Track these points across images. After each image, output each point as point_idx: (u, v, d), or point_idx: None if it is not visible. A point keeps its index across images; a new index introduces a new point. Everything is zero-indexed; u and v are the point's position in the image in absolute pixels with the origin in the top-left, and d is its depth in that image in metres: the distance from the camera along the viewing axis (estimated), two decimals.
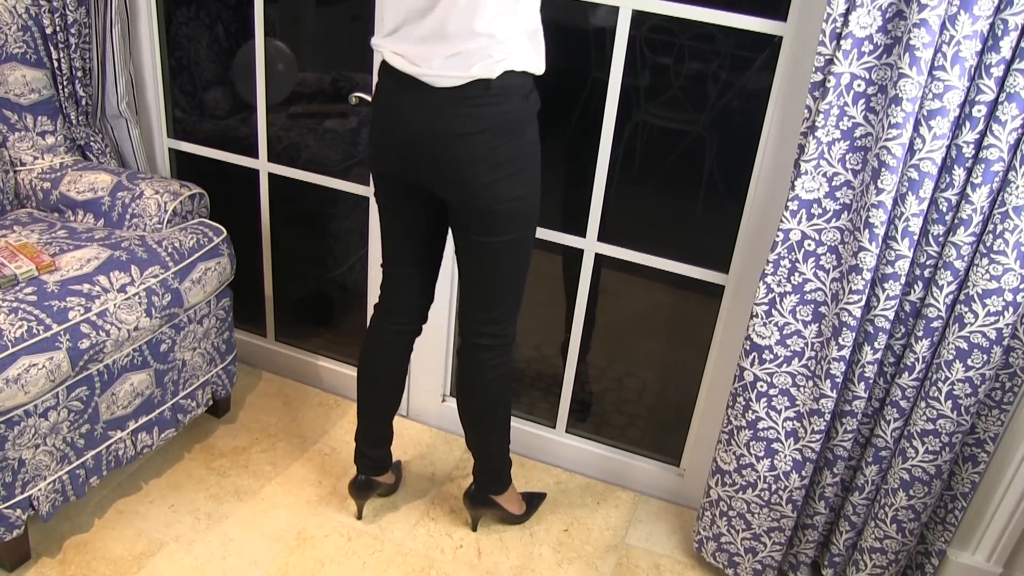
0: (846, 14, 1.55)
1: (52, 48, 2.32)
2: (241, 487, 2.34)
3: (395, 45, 1.69)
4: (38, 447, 1.92)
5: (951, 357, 1.73)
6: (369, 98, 2.19)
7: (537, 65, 1.70)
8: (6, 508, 1.90)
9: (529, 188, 1.78)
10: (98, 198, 2.30)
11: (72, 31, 2.29)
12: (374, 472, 2.22)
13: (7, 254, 2.01)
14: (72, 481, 2.03)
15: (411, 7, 1.64)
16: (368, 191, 2.38)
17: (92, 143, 2.46)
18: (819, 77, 1.63)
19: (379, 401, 2.14)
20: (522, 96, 1.69)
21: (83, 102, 2.41)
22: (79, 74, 2.35)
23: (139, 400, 2.15)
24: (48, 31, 2.30)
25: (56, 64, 2.34)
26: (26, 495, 1.93)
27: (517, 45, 1.64)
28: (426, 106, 1.69)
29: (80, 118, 2.43)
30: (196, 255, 2.20)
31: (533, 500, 2.37)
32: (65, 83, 2.36)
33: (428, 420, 2.66)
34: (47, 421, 1.91)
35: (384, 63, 1.74)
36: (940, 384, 1.76)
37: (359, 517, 2.28)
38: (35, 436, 1.90)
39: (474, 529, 2.28)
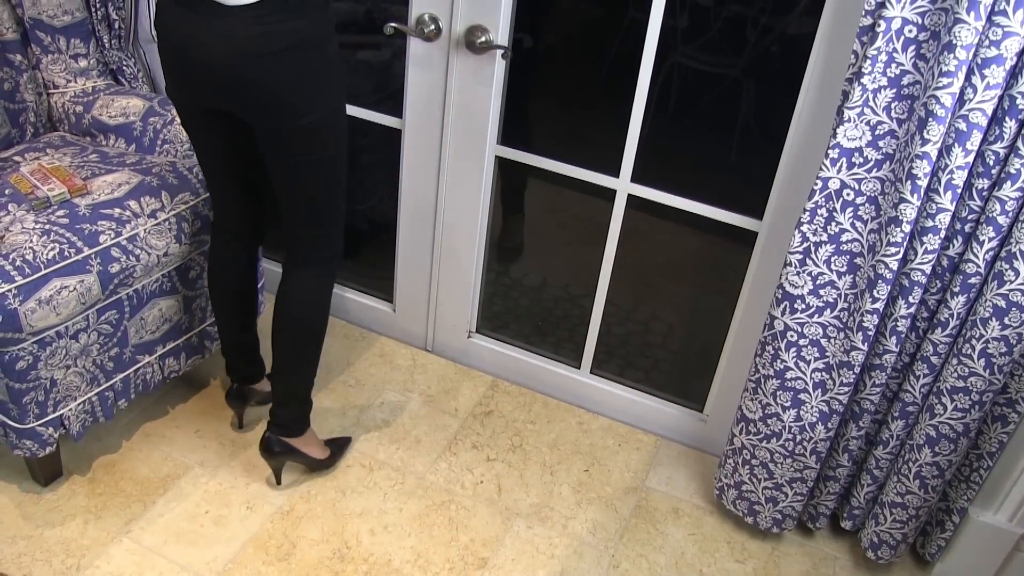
0: None
1: None
2: (265, 415, 2.36)
3: None
4: (69, 368, 1.94)
5: (987, 315, 1.69)
6: (405, 28, 2.15)
7: None
8: (39, 426, 1.93)
9: (334, 104, 1.73)
10: (130, 123, 2.29)
11: None
12: (245, 380, 2.25)
13: (40, 176, 2.02)
14: (101, 403, 2.06)
15: None
16: (400, 123, 2.36)
17: (124, 67, 2.44)
18: (868, 21, 1.57)
19: (225, 314, 2.14)
20: (321, 6, 1.63)
21: (116, 25, 2.38)
22: None
23: (167, 325, 2.16)
24: None
25: None
26: (58, 414, 1.96)
27: None
28: (222, 28, 1.59)
29: (113, 41, 2.41)
30: None
31: (337, 445, 2.27)
32: (98, 5, 2.33)
33: (452, 355, 2.66)
34: (78, 343, 1.93)
35: None
36: (974, 341, 1.73)
37: (240, 427, 2.32)
38: (66, 357, 1.92)
39: (278, 482, 2.16)
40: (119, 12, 2.37)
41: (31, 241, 1.83)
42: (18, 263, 1.78)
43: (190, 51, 1.65)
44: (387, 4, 2.44)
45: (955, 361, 1.77)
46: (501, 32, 2.11)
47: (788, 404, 1.95)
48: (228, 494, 2.13)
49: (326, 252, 1.93)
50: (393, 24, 2.15)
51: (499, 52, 2.12)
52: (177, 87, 1.77)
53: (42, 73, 2.33)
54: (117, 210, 1.98)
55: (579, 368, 2.54)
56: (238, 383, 2.25)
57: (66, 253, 1.85)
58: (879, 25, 1.54)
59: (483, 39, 2.11)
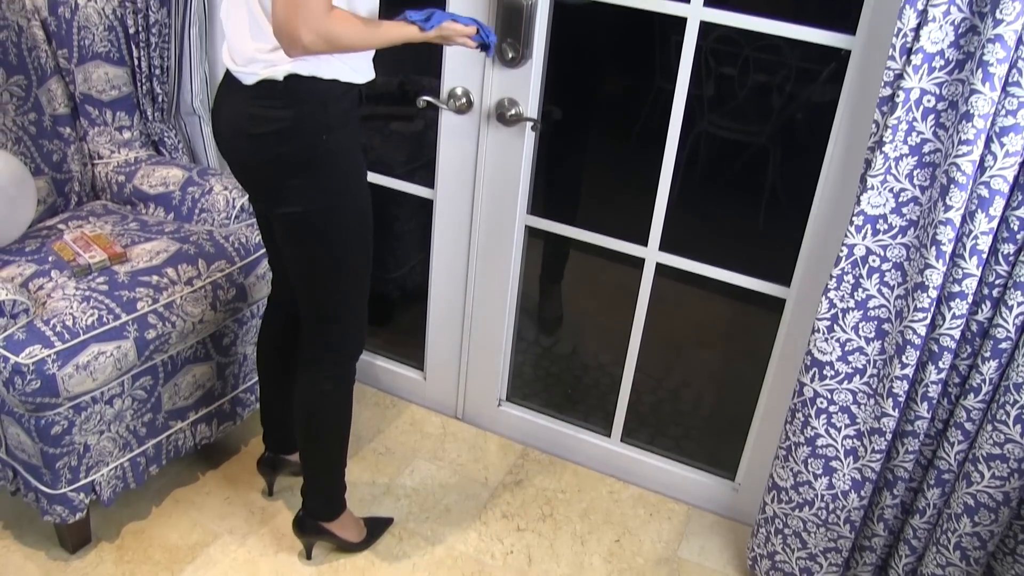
0: (917, 29, 1.52)
1: (134, 47, 2.39)
2: (295, 483, 2.36)
3: (226, 33, 1.68)
4: (102, 433, 1.97)
5: (1021, 380, 1.67)
6: (437, 101, 2.21)
7: (344, 73, 1.63)
8: (71, 491, 1.96)
9: (332, 201, 1.71)
10: (169, 192, 2.36)
11: (153, 31, 2.36)
12: (279, 450, 2.25)
13: (82, 244, 2.08)
14: (133, 468, 2.09)
15: None
16: (432, 194, 2.41)
17: (166, 138, 2.53)
18: (888, 92, 1.59)
19: (268, 384, 2.16)
20: (319, 102, 1.62)
21: (159, 99, 2.47)
22: (157, 72, 2.42)
23: (200, 392, 2.20)
24: (131, 31, 2.37)
25: (136, 62, 2.41)
26: (89, 479, 1.99)
27: None
28: (230, 102, 1.68)
29: (156, 114, 2.50)
30: (261, 251, 2.24)
31: (376, 525, 2.24)
32: (144, 80, 2.43)
33: (483, 424, 2.67)
34: (112, 408, 1.97)
35: None
36: (1008, 408, 1.71)
37: (270, 494, 2.32)
38: (100, 422, 1.95)
39: (308, 557, 2.14)
40: (163, 86, 2.46)
41: (71, 307, 1.89)
42: (58, 329, 1.83)
43: (216, 121, 1.76)
44: (419, 77, 2.51)
45: (990, 428, 1.75)
46: (531, 105, 2.16)
47: (820, 472, 1.93)
48: (257, 563, 2.13)
49: (322, 354, 1.90)
50: (426, 97, 2.21)
51: (529, 124, 2.17)
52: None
53: (88, 144, 2.42)
54: (155, 277, 2.04)
55: (609, 436, 2.53)
56: (272, 452, 2.26)
57: (104, 319, 1.90)
58: (898, 95, 1.57)
59: (513, 112, 2.16)
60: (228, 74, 1.68)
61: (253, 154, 1.68)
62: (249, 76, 1.61)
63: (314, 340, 1.89)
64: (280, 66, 1.58)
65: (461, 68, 2.18)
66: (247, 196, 1.92)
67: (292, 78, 1.59)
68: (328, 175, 1.69)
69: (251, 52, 1.60)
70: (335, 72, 1.62)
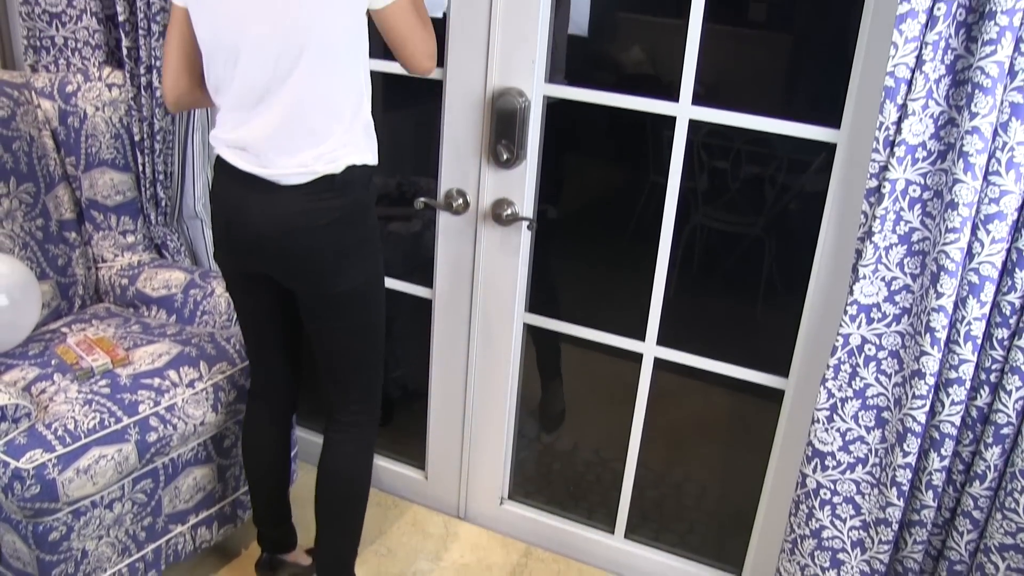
0: (898, 122, 1.57)
1: (139, 153, 2.46)
2: None
3: (232, 137, 1.72)
4: (101, 538, 1.95)
5: None
6: (434, 203, 2.26)
7: (373, 156, 1.77)
8: None
9: (372, 272, 1.85)
10: (171, 295, 2.39)
11: (157, 138, 2.43)
12: (276, 550, 2.23)
13: (85, 347, 2.09)
14: (131, 574, 2.05)
15: (243, 99, 1.67)
16: (431, 293, 2.43)
17: (168, 241, 2.57)
18: (874, 183, 1.64)
19: (260, 482, 2.15)
20: (363, 185, 1.77)
21: (163, 203, 2.53)
22: (161, 177, 2.48)
23: (201, 495, 2.18)
24: (136, 138, 2.44)
25: (141, 168, 2.47)
26: None
27: (357, 139, 1.72)
28: (274, 204, 1.72)
29: (159, 218, 2.55)
30: None
31: None
32: (148, 185, 2.49)
33: (485, 523, 2.63)
34: (112, 512, 1.95)
35: (220, 159, 1.77)
36: (1016, 495, 1.70)
37: None
38: (99, 527, 1.93)
39: None
40: (167, 191, 2.52)
41: (73, 411, 1.89)
42: (59, 432, 1.83)
43: (242, 222, 1.77)
44: (417, 178, 2.57)
45: (999, 516, 1.73)
46: (526, 205, 2.20)
47: (827, 565, 1.90)
48: None
49: (363, 417, 1.99)
50: (423, 199, 2.25)
51: (524, 223, 2.21)
52: (225, 253, 1.89)
53: (92, 248, 2.46)
54: (157, 380, 2.05)
55: (613, 533, 2.49)
56: (268, 552, 2.23)
57: (106, 422, 1.90)
58: (884, 186, 1.61)
59: (509, 212, 2.20)
60: (245, 176, 1.72)
61: (309, 245, 1.75)
62: (298, 177, 1.69)
63: (344, 411, 1.97)
64: (341, 160, 1.69)
65: (457, 170, 2.23)
66: (245, 287, 1.97)
67: (348, 169, 1.71)
68: (371, 248, 1.83)
69: (302, 160, 1.68)
70: (372, 157, 1.77)
